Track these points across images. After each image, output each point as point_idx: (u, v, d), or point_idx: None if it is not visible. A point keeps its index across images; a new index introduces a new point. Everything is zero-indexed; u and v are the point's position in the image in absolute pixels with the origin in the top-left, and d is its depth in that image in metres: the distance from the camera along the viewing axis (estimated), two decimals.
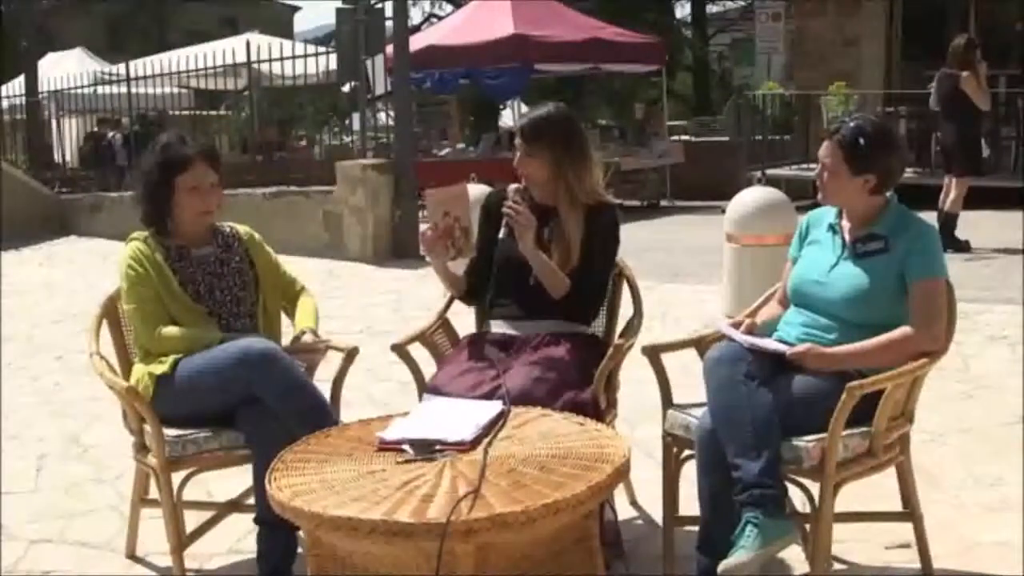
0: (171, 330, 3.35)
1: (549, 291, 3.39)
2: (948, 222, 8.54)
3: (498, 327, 3.50)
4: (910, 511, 3.17)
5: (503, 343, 3.42)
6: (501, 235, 3.45)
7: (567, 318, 3.44)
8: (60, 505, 4.12)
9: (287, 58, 12.36)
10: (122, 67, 13.78)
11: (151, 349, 3.36)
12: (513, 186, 3.47)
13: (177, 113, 15.45)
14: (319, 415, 3.15)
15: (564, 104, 3.54)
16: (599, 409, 3.21)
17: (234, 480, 3.63)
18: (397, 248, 9.49)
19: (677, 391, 3.30)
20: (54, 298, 8.72)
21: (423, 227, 3.44)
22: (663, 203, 14.32)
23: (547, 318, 3.42)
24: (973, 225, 8.90)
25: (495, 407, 2.86)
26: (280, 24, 34.22)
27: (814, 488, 2.94)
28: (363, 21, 10.29)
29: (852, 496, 3.10)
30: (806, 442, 2.88)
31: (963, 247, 8.50)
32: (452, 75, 13.98)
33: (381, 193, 9.62)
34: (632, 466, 2.58)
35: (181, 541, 3.27)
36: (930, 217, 5.81)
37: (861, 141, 3.04)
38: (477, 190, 6.57)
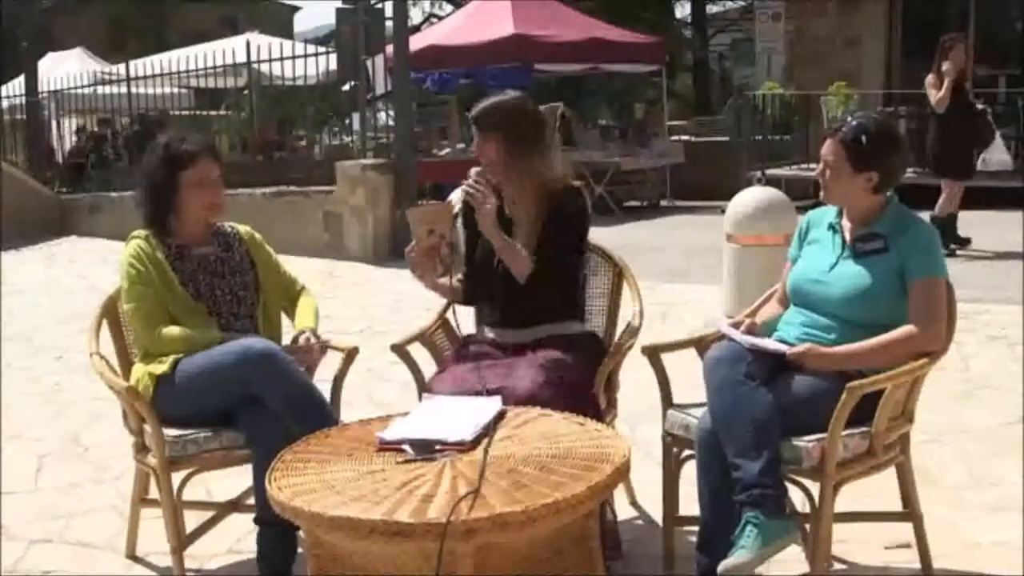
0: (171, 330, 3.34)
1: (513, 273, 3.35)
2: (949, 221, 8.52)
3: (492, 334, 3.50)
4: (910, 511, 3.17)
5: (502, 344, 3.42)
6: (456, 209, 3.45)
7: (558, 317, 3.42)
8: (60, 505, 4.12)
9: (287, 58, 12.33)
10: (122, 67, 13.77)
11: (151, 349, 3.36)
12: (475, 169, 3.46)
13: (177, 113, 15.43)
14: (319, 415, 3.14)
15: (522, 94, 3.54)
16: (599, 409, 3.20)
17: (234, 480, 3.62)
18: (397, 248, 9.46)
19: (677, 391, 3.30)
20: (54, 298, 8.71)
21: (408, 247, 3.38)
22: (663, 203, 14.30)
23: (537, 324, 3.39)
24: (973, 225, 8.90)
25: (495, 406, 2.86)
26: (280, 24, 34.17)
27: (814, 488, 2.94)
28: (363, 21, 10.28)
29: (852, 496, 3.10)
30: (806, 442, 2.88)
31: (963, 242, 8.52)
32: (452, 75, 13.98)
33: (381, 193, 9.62)
34: (632, 466, 2.57)
35: (181, 541, 3.27)
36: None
37: (863, 139, 3.04)
38: None
